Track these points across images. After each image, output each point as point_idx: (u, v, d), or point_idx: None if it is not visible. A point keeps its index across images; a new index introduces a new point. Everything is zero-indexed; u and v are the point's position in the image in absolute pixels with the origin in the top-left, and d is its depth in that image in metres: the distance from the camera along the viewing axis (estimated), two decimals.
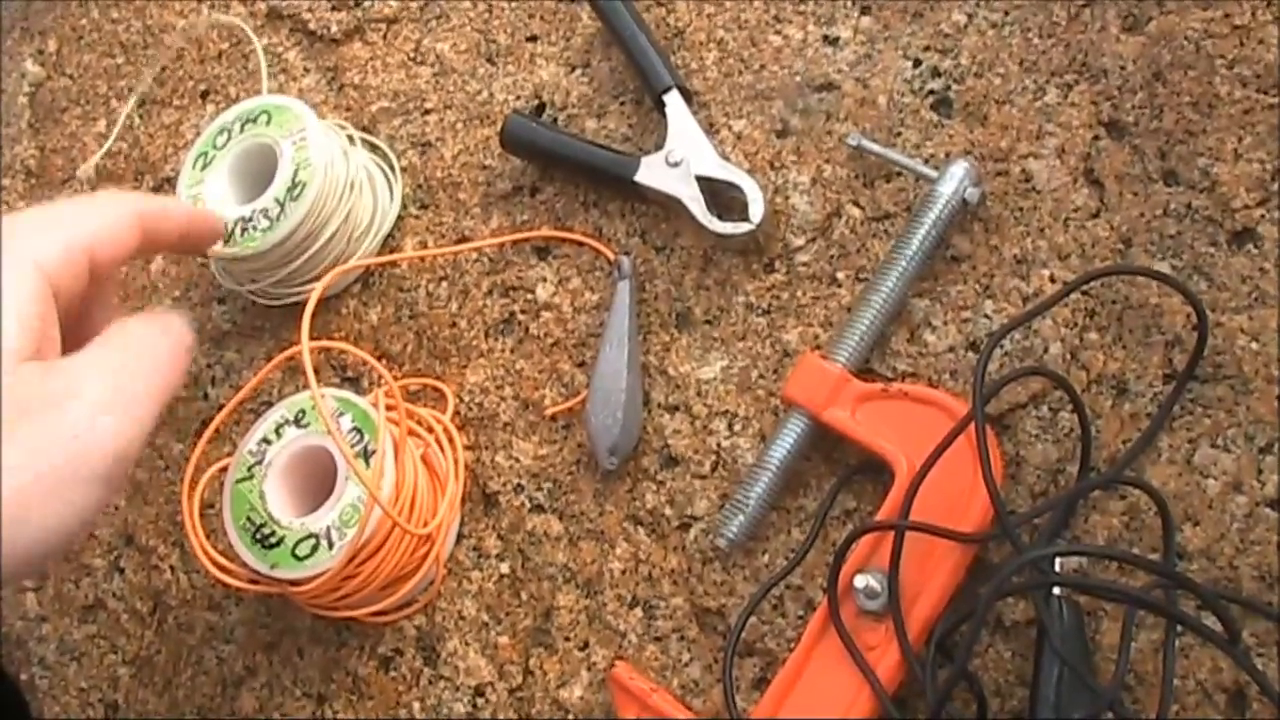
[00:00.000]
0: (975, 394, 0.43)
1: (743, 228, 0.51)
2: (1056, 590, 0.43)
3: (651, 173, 0.53)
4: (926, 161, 0.51)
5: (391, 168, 0.60)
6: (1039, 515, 0.45)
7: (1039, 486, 0.46)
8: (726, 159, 0.53)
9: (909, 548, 0.44)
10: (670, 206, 0.53)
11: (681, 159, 0.52)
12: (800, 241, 0.52)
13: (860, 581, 0.45)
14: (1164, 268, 0.47)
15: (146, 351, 0.40)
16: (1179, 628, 0.42)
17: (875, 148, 0.51)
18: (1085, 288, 0.47)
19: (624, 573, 0.51)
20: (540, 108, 0.58)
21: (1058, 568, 0.44)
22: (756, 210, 0.51)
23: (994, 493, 0.42)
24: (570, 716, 0.51)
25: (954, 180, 0.48)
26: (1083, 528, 0.46)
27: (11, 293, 0.36)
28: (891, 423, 0.47)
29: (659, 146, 0.53)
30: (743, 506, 0.48)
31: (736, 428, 0.51)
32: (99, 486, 0.36)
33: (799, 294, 0.51)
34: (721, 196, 0.52)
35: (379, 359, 0.57)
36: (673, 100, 0.53)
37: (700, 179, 0.52)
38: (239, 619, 0.57)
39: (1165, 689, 0.42)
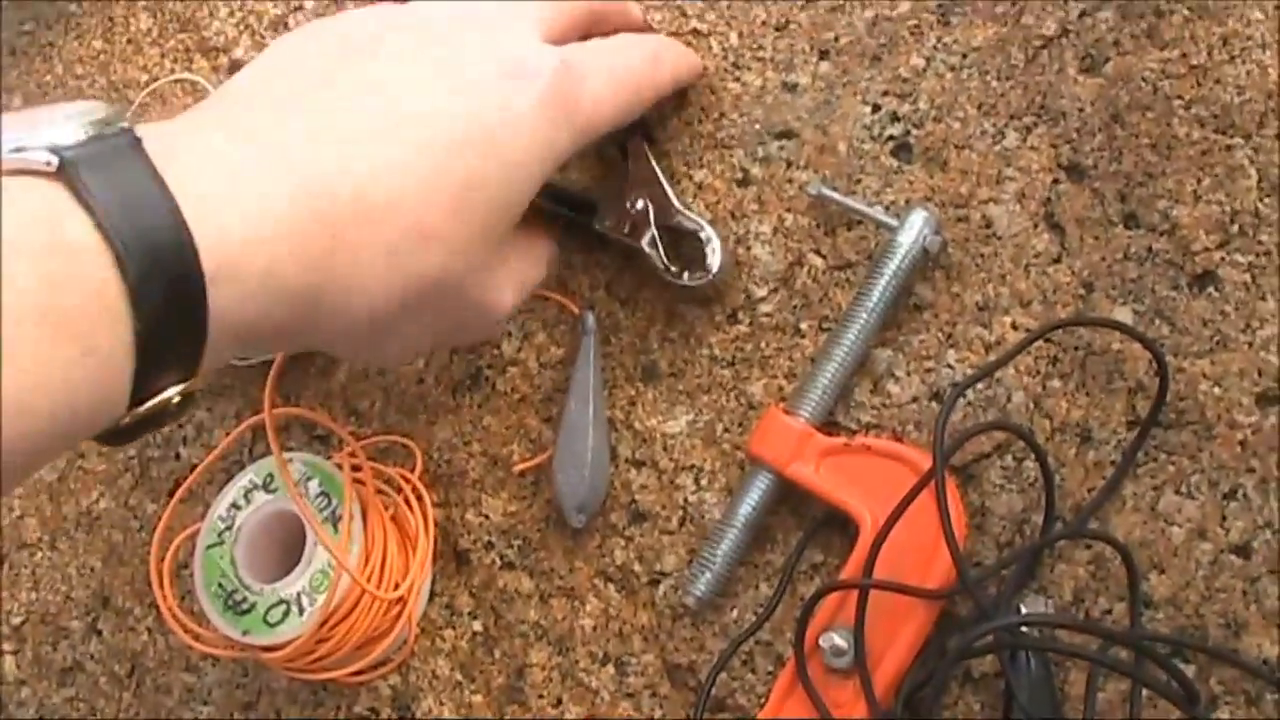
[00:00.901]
0: (936, 452, 0.43)
1: (699, 277, 0.50)
2: None
3: (612, 220, 0.52)
4: (887, 209, 0.50)
5: None
6: (1004, 568, 0.45)
7: (1004, 537, 0.46)
8: (689, 207, 0.52)
9: (874, 604, 0.44)
10: (631, 254, 0.53)
11: (642, 206, 0.52)
12: (763, 292, 0.52)
13: (826, 641, 0.45)
14: (1125, 312, 0.47)
15: None
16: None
17: (836, 196, 0.51)
18: (1048, 335, 0.47)
19: (595, 629, 0.51)
20: None
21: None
22: (714, 259, 0.50)
23: (955, 553, 0.42)
24: None
25: (914, 229, 0.48)
26: (1049, 578, 0.46)
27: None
28: (855, 477, 0.47)
29: (620, 193, 0.53)
30: (710, 564, 0.48)
31: (703, 482, 0.51)
32: None
33: (762, 345, 0.51)
34: (683, 245, 0.52)
35: (348, 416, 0.57)
36: (635, 146, 0.53)
37: (661, 228, 0.52)
38: (216, 680, 0.57)
39: None
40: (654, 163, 0.53)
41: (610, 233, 0.52)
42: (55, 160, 0.31)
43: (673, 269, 0.51)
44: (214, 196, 0.33)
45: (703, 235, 0.51)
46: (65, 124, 0.33)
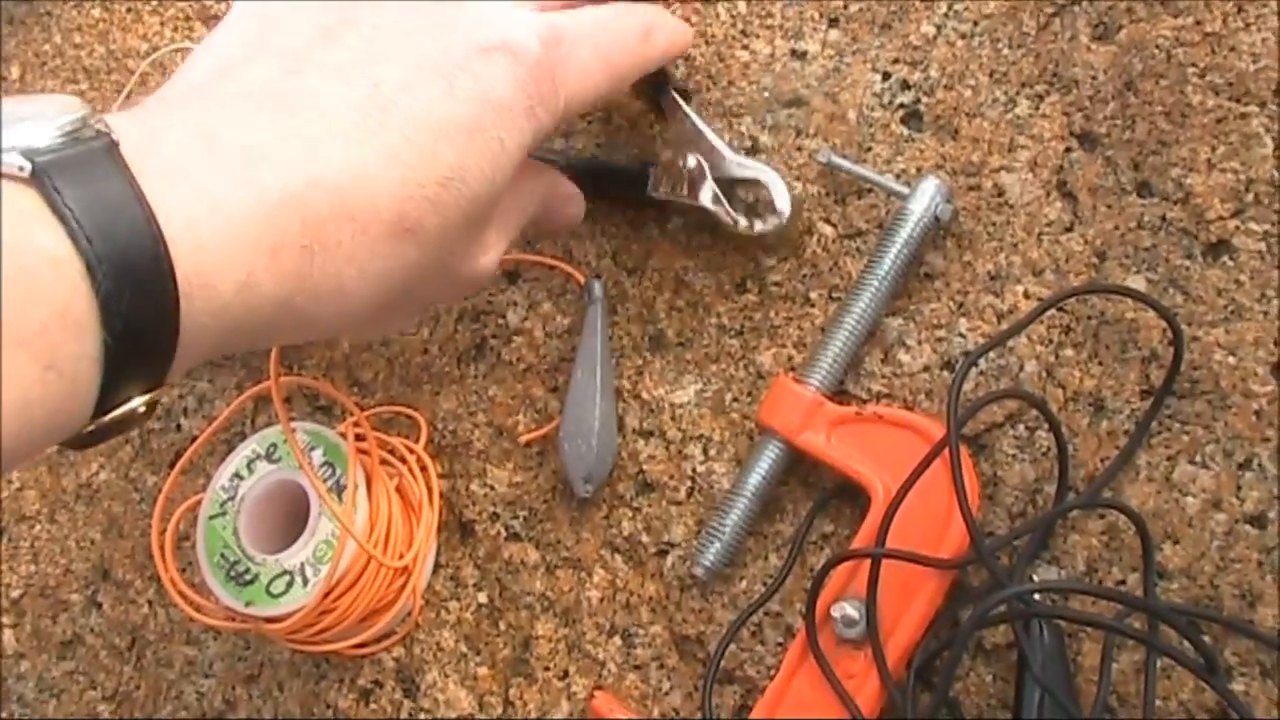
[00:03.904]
0: (950, 421, 0.42)
1: (773, 223, 0.48)
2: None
3: (665, 185, 0.50)
4: (898, 177, 0.50)
5: None
6: (1017, 538, 0.45)
7: (1017, 507, 0.46)
8: (739, 152, 0.50)
9: (887, 574, 0.44)
10: (688, 215, 0.51)
11: (695, 164, 0.50)
12: (772, 261, 0.51)
13: (838, 611, 0.44)
14: (1139, 282, 0.46)
15: None
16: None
17: (846, 164, 0.50)
18: (1061, 304, 0.47)
19: (602, 601, 0.51)
20: None
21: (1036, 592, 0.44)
22: (782, 200, 0.48)
23: (970, 522, 0.42)
24: None
25: (925, 197, 0.48)
26: (1062, 548, 0.45)
27: None
28: (866, 447, 0.47)
29: (667, 155, 0.51)
30: (719, 534, 0.48)
31: (711, 452, 0.50)
32: None
33: (772, 314, 0.51)
34: (739, 193, 0.50)
35: (351, 387, 0.57)
36: (670, 103, 0.50)
37: (718, 180, 0.49)
38: (217, 653, 0.57)
39: (1147, 712, 0.42)
40: (695, 116, 0.50)
41: (667, 197, 0.50)
42: (28, 165, 0.30)
43: (741, 221, 0.49)
44: (191, 207, 0.32)
45: (765, 179, 0.49)
46: (39, 124, 0.32)
